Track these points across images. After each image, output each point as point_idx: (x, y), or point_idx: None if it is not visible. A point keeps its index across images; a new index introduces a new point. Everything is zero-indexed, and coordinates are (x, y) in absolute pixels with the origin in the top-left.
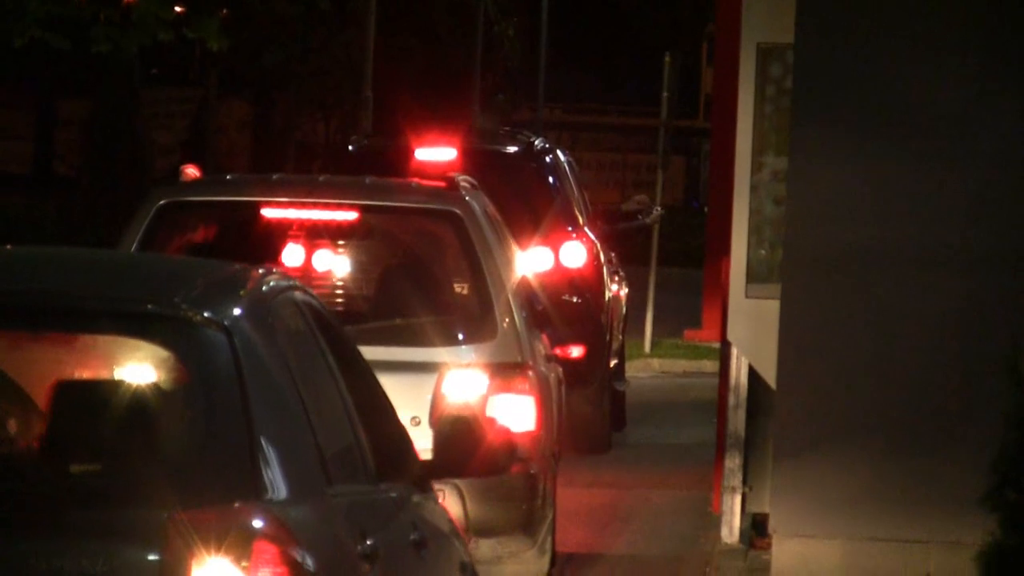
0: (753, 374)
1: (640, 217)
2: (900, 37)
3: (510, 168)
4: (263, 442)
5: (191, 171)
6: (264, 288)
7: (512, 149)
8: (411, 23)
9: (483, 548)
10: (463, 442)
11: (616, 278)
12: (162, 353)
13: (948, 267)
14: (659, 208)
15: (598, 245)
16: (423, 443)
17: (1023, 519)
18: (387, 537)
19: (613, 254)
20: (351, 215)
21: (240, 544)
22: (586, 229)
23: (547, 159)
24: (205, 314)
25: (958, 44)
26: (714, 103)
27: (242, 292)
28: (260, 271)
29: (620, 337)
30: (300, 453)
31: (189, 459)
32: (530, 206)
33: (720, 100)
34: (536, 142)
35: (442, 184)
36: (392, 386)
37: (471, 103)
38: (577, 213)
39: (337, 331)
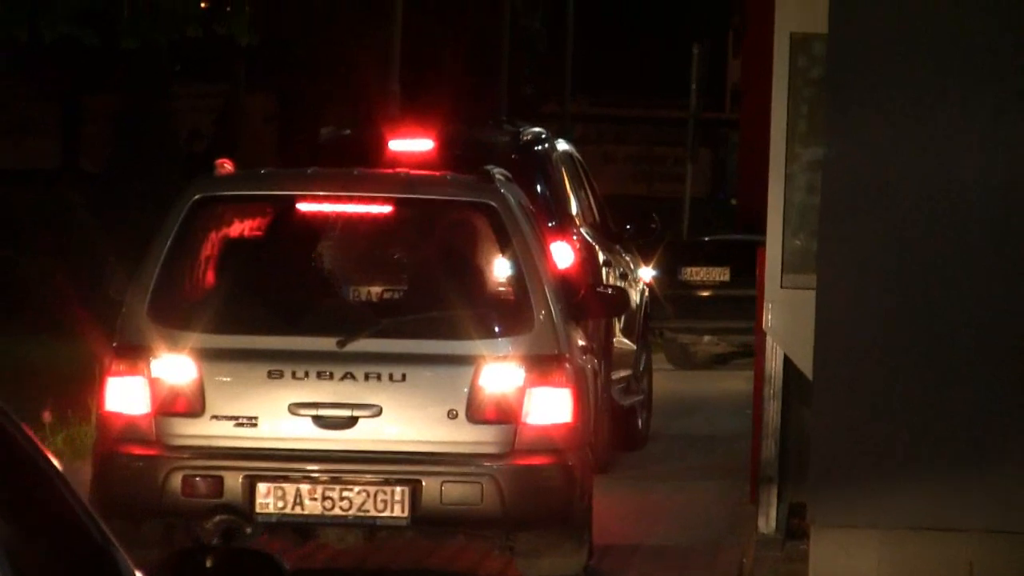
0: (788, 363)
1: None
2: (935, 19)
3: (491, 160)
4: None
5: (226, 165)
6: None
7: (495, 140)
8: (439, 16)
9: (521, 541)
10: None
11: (624, 280)
12: None
13: (989, 245)
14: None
15: (595, 244)
16: (461, 436)
17: None
18: None
19: (628, 256)
20: (386, 208)
21: None
22: (582, 228)
23: (536, 150)
24: None
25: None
26: (744, 94)
27: None
28: None
29: (631, 344)
30: None
31: None
32: None
33: (750, 91)
34: (524, 133)
35: (477, 176)
36: (429, 379)
37: (498, 96)
38: (568, 209)
39: None
